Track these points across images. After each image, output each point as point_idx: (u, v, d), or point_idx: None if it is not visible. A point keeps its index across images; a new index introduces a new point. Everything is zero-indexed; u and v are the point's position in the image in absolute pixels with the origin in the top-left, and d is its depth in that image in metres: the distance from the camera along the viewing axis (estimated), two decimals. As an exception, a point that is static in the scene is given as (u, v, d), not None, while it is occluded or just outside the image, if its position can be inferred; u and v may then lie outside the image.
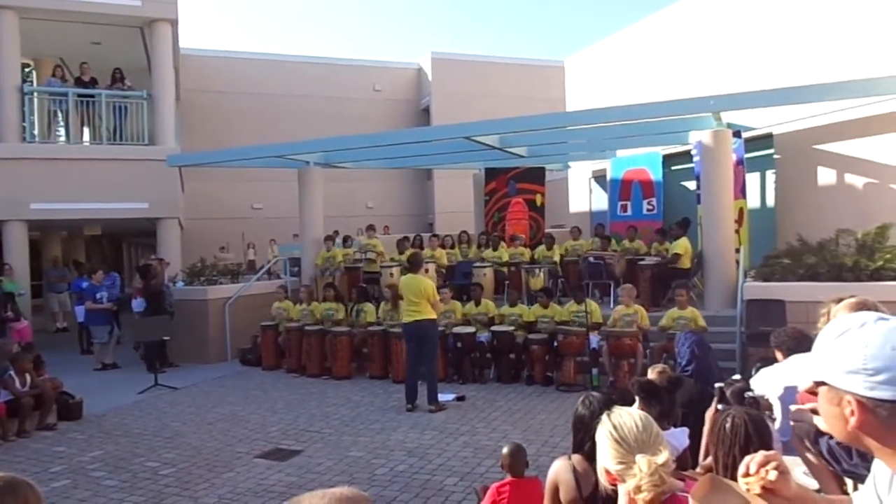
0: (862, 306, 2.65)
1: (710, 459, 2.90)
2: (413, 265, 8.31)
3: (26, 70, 16.05)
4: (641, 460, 1.80)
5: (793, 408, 3.08)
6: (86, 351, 12.39)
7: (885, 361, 1.14)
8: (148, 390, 9.42)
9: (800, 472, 2.91)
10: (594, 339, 8.71)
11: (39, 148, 13.12)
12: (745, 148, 10.57)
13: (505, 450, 3.78)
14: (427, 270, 9.82)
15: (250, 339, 11.56)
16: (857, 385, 1.16)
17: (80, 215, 13.53)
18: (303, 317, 10.87)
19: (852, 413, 1.17)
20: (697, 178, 10.55)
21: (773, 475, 1.37)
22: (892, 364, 1.14)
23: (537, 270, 10.98)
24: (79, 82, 13.65)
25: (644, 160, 13.33)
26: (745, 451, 2.31)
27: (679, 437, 3.59)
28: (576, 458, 3.13)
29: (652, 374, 4.14)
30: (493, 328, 9.46)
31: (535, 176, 14.41)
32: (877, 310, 1.96)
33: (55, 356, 11.94)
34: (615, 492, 1.96)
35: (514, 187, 14.42)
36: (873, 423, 1.16)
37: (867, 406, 1.16)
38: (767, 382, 3.77)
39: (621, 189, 13.76)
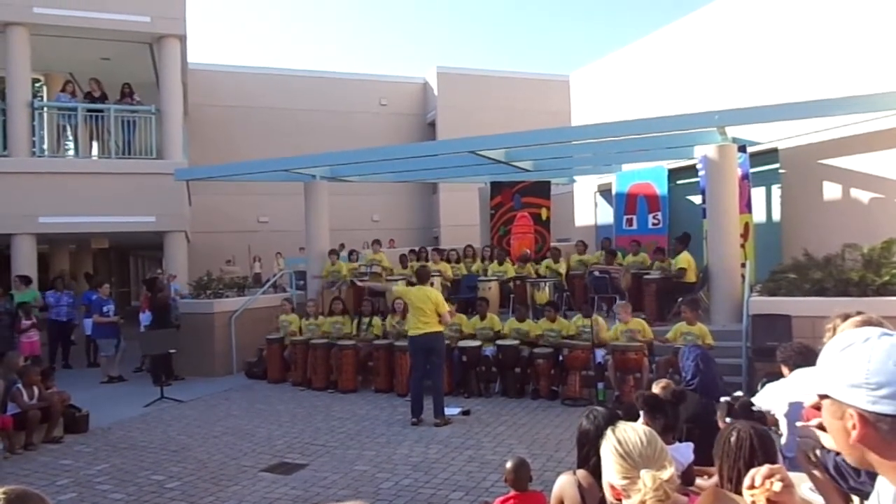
0: (867, 324, 2.66)
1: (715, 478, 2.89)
2: (420, 278, 8.33)
3: (36, 85, 16.22)
4: (646, 475, 1.80)
5: (799, 424, 3.07)
6: (92, 364, 12.45)
7: (888, 376, 1.15)
8: (154, 403, 9.44)
9: (806, 488, 2.90)
10: (600, 353, 8.68)
11: (48, 162, 13.22)
12: (750, 162, 10.58)
13: (508, 464, 3.77)
14: (433, 284, 9.84)
15: (256, 353, 11.57)
16: (859, 399, 1.17)
17: (88, 229, 13.62)
18: (309, 331, 10.87)
19: (854, 427, 1.19)
20: (703, 193, 10.56)
21: (777, 486, 1.38)
22: (893, 379, 1.15)
23: (543, 284, 10.98)
24: (89, 97, 13.78)
25: (649, 174, 13.35)
26: (750, 464, 2.31)
27: (684, 451, 3.59)
28: (581, 473, 3.13)
29: (656, 389, 4.14)
30: (499, 342, 9.44)
31: (541, 190, 14.44)
32: (881, 326, 1.96)
33: (61, 369, 12.02)
34: (620, 507, 1.96)
35: (520, 201, 14.45)
36: (875, 437, 1.17)
37: (869, 420, 1.17)
38: (773, 398, 3.76)
39: (627, 203, 13.77)
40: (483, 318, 9.91)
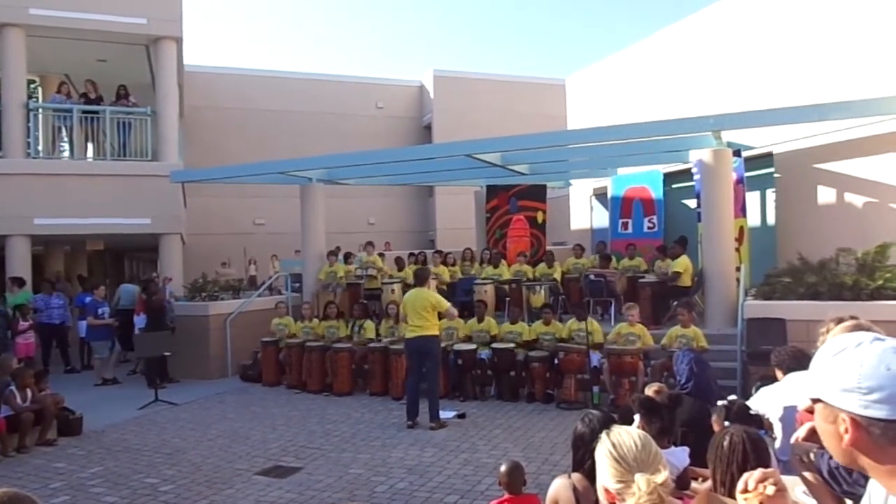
0: (857, 329, 2.67)
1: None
2: (419, 279, 8.31)
3: (32, 86, 16.16)
4: (640, 479, 1.80)
5: (792, 440, 3.07)
6: (86, 366, 12.40)
7: (880, 381, 1.16)
8: (148, 406, 9.41)
9: (799, 491, 2.90)
10: (595, 356, 8.69)
11: (43, 163, 13.19)
12: (745, 167, 10.61)
13: (503, 467, 3.78)
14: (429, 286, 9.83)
15: (251, 355, 11.55)
16: (851, 403, 1.18)
17: (83, 230, 13.57)
18: (304, 334, 10.85)
19: (846, 431, 1.19)
20: (698, 197, 10.59)
21: (770, 490, 1.39)
22: (885, 383, 1.16)
23: (538, 288, 10.99)
24: (84, 99, 13.73)
25: (645, 178, 13.39)
26: (743, 468, 2.32)
27: (679, 455, 3.59)
28: (576, 476, 3.13)
29: (649, 393, 4.14)
30: (494, 345, 9.44)
31: (537, 193, 14.46)
32: (871, 331, 1.97)
33: (55, 371, 11.96)
34: (614, 510, 1.96)
35: (516, 204, 14.46)
36: (867, 441, 1.18)
37: (861, 424, 1.17)
38: (767, 402, 3.77)
39: (622, 207, 13.80)
40: (481, 320, 9.92)
